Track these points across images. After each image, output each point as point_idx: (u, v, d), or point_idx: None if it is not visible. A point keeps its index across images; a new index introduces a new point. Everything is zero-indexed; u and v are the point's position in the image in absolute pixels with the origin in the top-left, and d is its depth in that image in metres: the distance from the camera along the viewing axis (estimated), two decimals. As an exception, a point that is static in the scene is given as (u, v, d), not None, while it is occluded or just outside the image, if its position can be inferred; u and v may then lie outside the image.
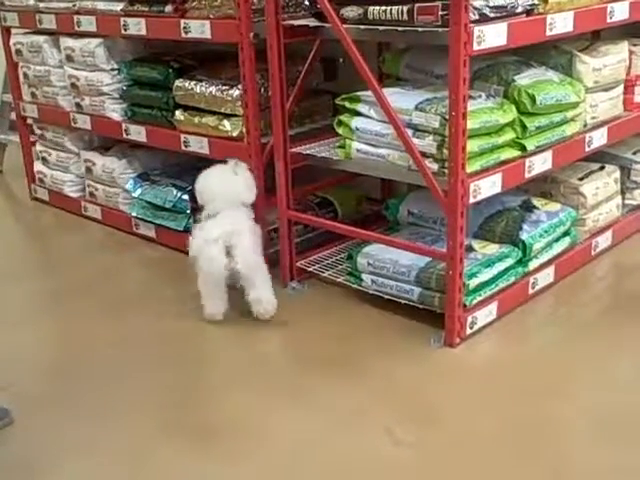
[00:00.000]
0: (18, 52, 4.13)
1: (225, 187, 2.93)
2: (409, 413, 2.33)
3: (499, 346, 2.70)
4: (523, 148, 2.69)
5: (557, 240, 3.00)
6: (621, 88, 3.13)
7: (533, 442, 2.16)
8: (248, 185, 2.96)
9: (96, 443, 2.25)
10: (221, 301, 2.86)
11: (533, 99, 2.66)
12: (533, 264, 2.91)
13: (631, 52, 3.17)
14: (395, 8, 2.47)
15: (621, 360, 2.57)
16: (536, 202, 3.02)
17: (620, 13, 2.92)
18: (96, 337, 2.85)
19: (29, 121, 4.40)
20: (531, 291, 2.92)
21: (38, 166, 4.38)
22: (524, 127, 2.67)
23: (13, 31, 4.23)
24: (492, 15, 2.42)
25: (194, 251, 2.85)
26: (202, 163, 3.57)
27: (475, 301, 2.70)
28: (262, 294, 2.82)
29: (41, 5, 3.86)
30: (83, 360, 2.69)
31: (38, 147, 4.36)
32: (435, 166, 2.54)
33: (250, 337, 2.79)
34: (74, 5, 3.65)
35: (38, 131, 4.32)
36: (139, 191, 3.73)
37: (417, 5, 2.41)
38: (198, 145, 3.30)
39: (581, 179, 3.16)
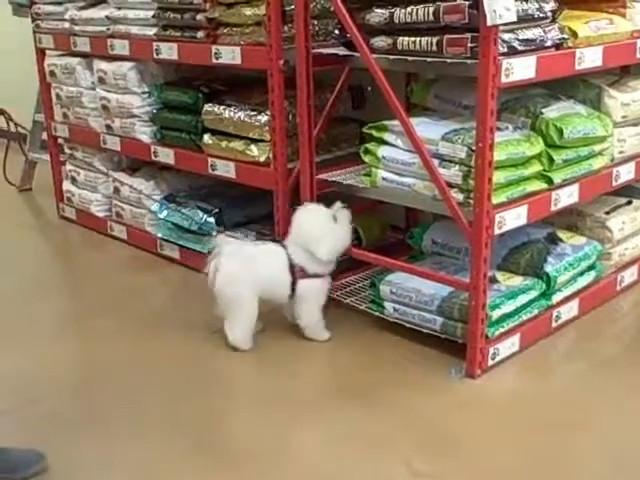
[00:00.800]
0: (52, 73, 4.21)
1: (309, 228, 2.83)
2: (428, 444, 2.32)
3: (520, 379, 2.68)
4: (550, 181, 2.68)
5: (582, 274, 2.98)
6: (650, 123, 3.12)
7: (552, 477, 2.14)
8: (336, 239, 2.83)
9: (115, 464, 2.25)
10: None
11: (561, 132, 2.65)
12: (557, 297, 2.89)
13: (660, 88, 3.16)
14: (425, 39, 2.49)
15: (644, 397, 2.54)
16: (561, 235, 3.01)
17: (650, 48, 2.92)
18: (119, 357, 2.86)
19: (59, 141, 4.47)
20: (554, 324, 2.90)
21: (67, 185, 4.44)
22: (551, 160, 2.67)
23: (48, 53, 4.31)
24: (521, 48, 2.43)
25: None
26: (229, 187, 3.64)
27: (497, 333, 2.68)
28: (227, 328, 2.84)
29: (76, 28, 3.93)
30: (105, 380, 2.71)
31: (68, 166, 4.43)
32: (460, 196, 2.55)
33: (272, 363, 2.78)
34: (108, 29, 3.72)
35: (68, 151, 4.39)
36: (165, 212, 3.76)
37: (447, 37, 2.43)
38: (225, 169, 3.33)
39: (608, 213, 3.14)
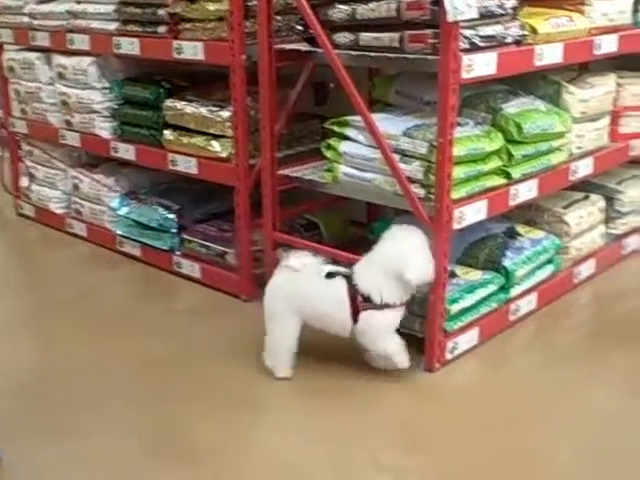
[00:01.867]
0: (10, 68, 4.14)
1: (400, 246, 2.47)
2: (391, 439, 2.34)
3: (479, 372, 2.71)
4: (509, 176, 2.72)
5: (540, 267, 3.02)
6: (607, 119, 3.18)
7: (512, 470, 2.17)
8: (429, 263, 2.48)
9: (73, 466, 2.22)
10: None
11: (520, 128, 2.69)
12: (515, 291, 2.93)
13: (618, 84, 3.23)
14: (386, 35, 2.50)
15: (601, 388, 2.58)
16: (520, 229, 3.06)
17: (608, 46, 2.97)
18: (76, 356, 2.82)
19: (18, 137, 4.40)
20: (513, 318, 2.94)
21: (25, 182, 4.38)
22: (510, 155, 2.70)
23: (5, 47, 4.24)
24: (482, 44, 2.45)
25: None
26: (190, 184, 3.62)
27: (456, 326, 2.71)
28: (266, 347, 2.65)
29: (35, 22, 3.88)
30: (61, 380, 2.67)
31: (26, 163, 4.36)
32: (421, 191, 2.57)
33: (234, 362, 2.76)
34: (68, 23, 3.68)
35: (26, 147, 4.32)
36: (125, 209, 3.73)
37: (408, 33, 2.45)
38: (186, 165, 3.31)
39: (565, 208, 3.19)
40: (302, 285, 2.55)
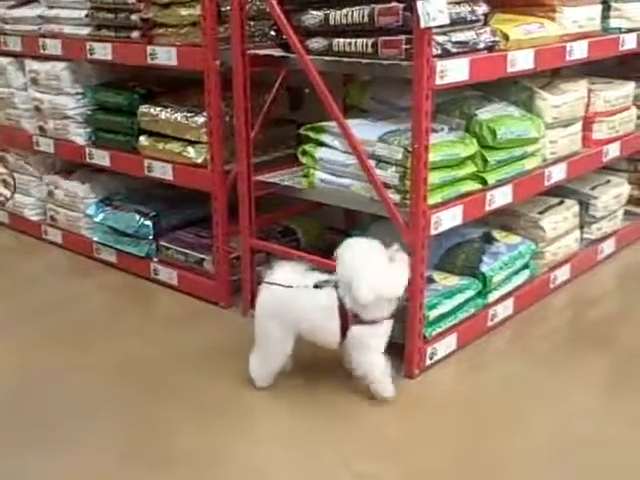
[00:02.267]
0: (-18, 74, 4.09)
1: (363, 267, 2.36)
2: (367, 445, 2.32)
3: (458, 378, 2.72)
4: (484, 181, 2.73)
5: (516, 273, 3.03)
6: (580, 125, 3.20)
7: (489, 476, 2.17)
8: (383, 278, 2.36)
9: (47, 474, 2.20)
10: None
11: (494, 133, 2.70)
12: (493, 296, 2.94)
13: (590, 90, 3.25)
14: (360, 41, 2.50)
15: (577, 392, 2.59)
16: (496, 234, 3.06)
17: (579, 52, 2.99)
18: (51, 365, 2.79)
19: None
20: (490, 323, 2.94)
21: (7, 194, 4.32)
22: (485, 161, 2.71)
23: (-23, 52, 4.20)
24: (454, 50, 2.46)
25: None
26: (166, 190, 3.60)
27: (435, 332, 2.71)
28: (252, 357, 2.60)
29: (6, 27, 3.84)
30: (36, 389, 2.64)
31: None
32: (397, 197, 2.56)
33: (214, 368, 2.75)
34: (40, 28, 3.65)
35: (0, 153, 4.27)
36: (101, 216, 3.70)
37: (381, 39, 2.44)
38: (162, 171, 3.29)
39: (541, 213, 3.21)
40: (292, 299, 2.47)
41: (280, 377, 2.59)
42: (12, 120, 4.00)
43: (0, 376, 2.76)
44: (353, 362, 2.49)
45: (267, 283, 2.52)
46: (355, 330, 2.43)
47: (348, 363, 2.53)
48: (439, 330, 2.73)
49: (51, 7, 3.60)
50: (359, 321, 2.41)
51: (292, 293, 2.47)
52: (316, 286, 2.48)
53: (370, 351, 2.45)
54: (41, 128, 3.83)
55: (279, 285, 2.48)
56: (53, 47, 3.58)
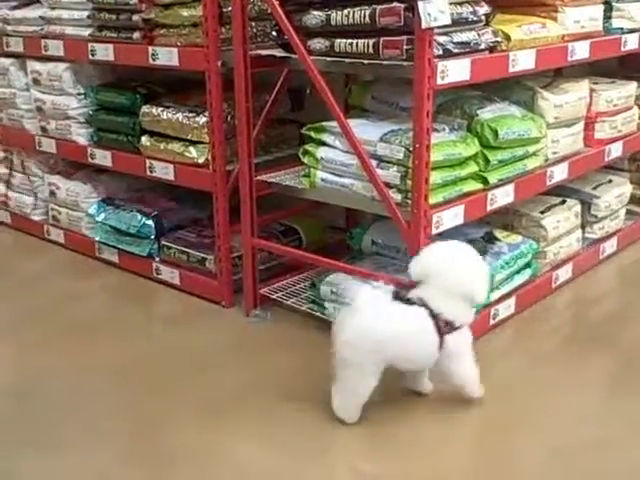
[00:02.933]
0: (-16, 74, 4.10)
1: (462, 267, 2.37)
2: (371, 445, 2.33)
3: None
4: (485, 181, 2.73)
5: (518, 272, 3.04)
6: (582, 125, 3.20)
7: (490, 475, 2.17)
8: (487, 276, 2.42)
9: (48, 474, 2.20)
10: None
11: (496, 133, 2.70)
12: (494, 295, 2.93)
13: (591, 90, 3.25)
14: (361, 41, 2.50)
15: (579, 391, 2.59)
16: (498, 234, 3.06)
17: (581, 52, 2.99)
18: (54, 364, 2.80)
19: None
20: (492, 322, 2.95)
21: (1, 189, 4.33)
22: (487, 160, 2.71)
23: (-20, 53, 4.21)
24: (456, 51, 2.46)
25: None
26: (168, 190, 3.61)
27: (437, 332, 2.71)
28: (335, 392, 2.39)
29: (9, 28, 3.85)
30: (39, 388, 2.64)
31: (2, 169, 4.32)
32: (399, 197, 2.57)
33: (208, 366, 2.76)
34: (42, 29, 3.65)
35: (2, 153, 4.28)
36: (103, 215, 3.71)
37: (383, 39, 2.45)
38: (163, 171, 3.29)
39: (542, 212, 3.21)
40: (385, 327, 2.28)
41: (280, 375, 2.59)
42: (14, 120, 4.01)
43: (2, 376, 2.77)
44: (453, 374, 2.40)
45: (352, 306, 2.30)
46: (450, 340, 2.33)
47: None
48: (441, 330, 2.73)
49: (53, 8, 3.60)
50: (452, 329, 2.33)
51: (384, 321, 2.29)
52: (409, 301, 2.35)
53: (467, 357, 2.40)
54: (43, 128, 3.84)
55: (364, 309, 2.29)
56: (55, 48, 3.59)
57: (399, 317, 2.32)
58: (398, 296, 2.36)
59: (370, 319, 2.27)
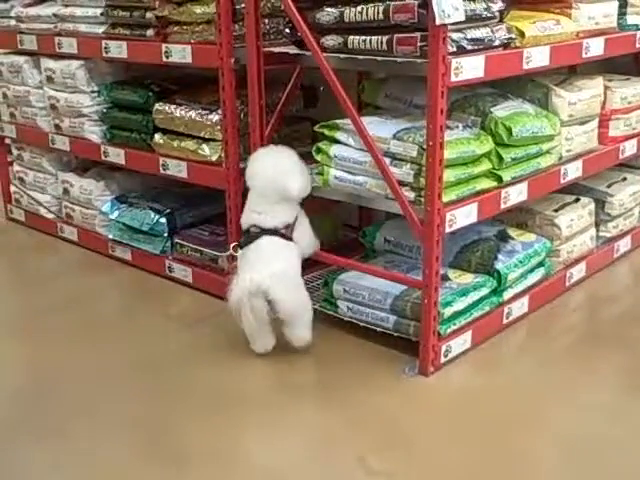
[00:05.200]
0: (-2, 72, 4.12)
1: (275, 172, 2.71)
2: (382, 442, 2.32)
3: (473, 375, 2.71)
4: (499, 179, 2.72)
5: (532, 270, 3.02)
6: (596, 122, 3.17)
7: (506, 474, 2.16)
8: (301, 171, 2.75)
9: (64, 471, 2.21)
10: (267, 338, 2.74)
11: (509, 131, 2.69)
12: (508, 294, 2.92)
13: (606, 87, 3.23)
14: (375, 38, 2.49)
15: (594, 391, 2.58)
16: (511, 232, 3.05)
17: (595, 49, 2.97)
18: (68, 361, 2.81)
19: (7, 141, 4.38)
20: (505, 321, 2.93)
21: (15, 186, 4.36)
22: (500, 158, 2.70)
23: (-7, 51, 4.23)
24: (470, 47, 2.45)
25: (234, 302, 2.64)
26: (181, 187, 3.61)
27: (450, 330, 2.70)
28: (294, 333, 2.73)
29: (22, 26, 3.86)
30: (53, 385, 2.65)
31: (15, 167, 4.34)
32: (412, 195, 2.56)
33: (224, 363, 2.76)
34: (55, 27, 3.66)
35: (16, 151, 4.30)
36: (116, 213, 3.72)
37: (396, 36, 2.44)
38: (176, 169, 3.29)
39: (556, 210, 3.19)
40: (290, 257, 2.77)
41: (295, 373, 2.59)
42: (28, 118, 4.02)
43: (16, 373, 2.79)
44: None
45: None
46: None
47: None
48: (454, 328, 2.72)
49: (66, 5, 3.61)
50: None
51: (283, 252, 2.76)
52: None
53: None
54: (56, 126, 3.85)
55: None
56: (68, 45, 3.60)
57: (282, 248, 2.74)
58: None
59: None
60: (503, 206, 2.76)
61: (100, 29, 3.44)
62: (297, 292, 2.73)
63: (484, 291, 2.81)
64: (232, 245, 2.82)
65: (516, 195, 2.80)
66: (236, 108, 3.05)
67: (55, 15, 3.64)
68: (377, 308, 2.78)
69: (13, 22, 3.91)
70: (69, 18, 3.58)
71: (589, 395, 2.55)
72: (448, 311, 2.67)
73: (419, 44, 2.38)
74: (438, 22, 2.28)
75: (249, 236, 2.75)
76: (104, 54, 3.42)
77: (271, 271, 2.63)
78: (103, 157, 3.65)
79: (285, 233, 2.76)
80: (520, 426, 2.38)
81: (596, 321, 3.11)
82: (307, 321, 2.75)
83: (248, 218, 2.79)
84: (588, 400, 2.52)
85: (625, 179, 3.61)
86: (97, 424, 2.42)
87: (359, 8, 2.51)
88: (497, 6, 2.53)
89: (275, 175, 2.71)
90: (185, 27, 3.09)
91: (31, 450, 2.29)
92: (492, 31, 2.52)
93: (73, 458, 2.26)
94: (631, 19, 3.22)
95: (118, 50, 3.35)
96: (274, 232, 2.74)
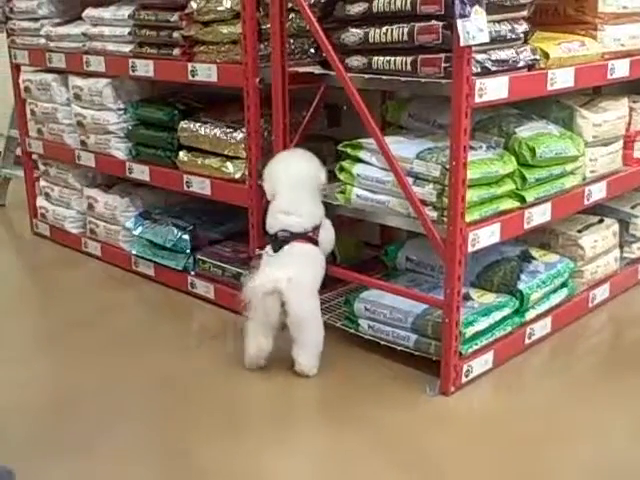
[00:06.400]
0: (27, 89, 4.19)
1: (304, 163, 2.84)
2: (402, 462, 2.31)
3: (494, 396, 2.69)
4: (522, 199, 2.71)
5: (554, 291, 3.01)
6: (620, 143, 3.16)
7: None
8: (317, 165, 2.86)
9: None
10: (266, 339, 2.71)
11: (533, 151, 2.69)
12: (530, 314, 2.91)
13: (631, 109, 3.22)
14: (399, 59, 2.51)
15: (617, 413, 2.55)
16: (534, 253, 3.04)
17: (620, 70, 2.97)
18: (91, 377, 2.83)
19: (34, 157, 4.44)
20: (528, 341, 2.92)
21: (41, 201, 4.42)
22: (524, 179, 2.70)
23: (23, 68, 4.30)
24: (494, 69, 2.46)
25: (248, 295, 2.66)
26: (204, 204, 3.64)
27: (471, 350, 2.69)
28: (299, 355, 2.71)
29: (51, 44, 3.93)
30: (76, 400, 2.66)
31: (42, 183, 4.40)
32: (434, 214, 2.56)
33: (244, 380, 2.77)
34: (84, 45, 3.72)
35: (42, 167, 4.36)
36: (140, 229, 3.75)
37: (421, 57, 2.45)
38: (200, 186, 3.32)
39: (580, 231, 3.18)
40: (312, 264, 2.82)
41: (315, 391, 2.59)
42: (55, 135, 4.09)
43: (42, 388, 2.80)
44: None
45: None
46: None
47: None
48: (475, 347, 2.71)
49: (95, 25, 3.68)
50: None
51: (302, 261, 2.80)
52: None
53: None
54: (83, 142, 3.90)
55: None
56: (96, 64, 3.66)
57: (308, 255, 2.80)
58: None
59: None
60: (526, 226, 2.75)
61: (127, 48, 3.49)
62: (311, 300, 2.73)
63: (506, 311, 2.80)
64: (258, 252, 2.89)
65: (539, 215, 2.79)
66: (260, 127, 3.08)
67: (84, 34, 3.71)
68: (398, 327, 2.78)
69: (43, 40, 3.99)
70: (97, 37, 3.65)
71: (612, 418, 2.52)
72: (470, 331, 2.67)
73: (443, 65, 2.39)
74: (463, 44, 2.29)
75: (278, 241, 2.77)
76: (131, 72, 3.48)
77: (291, 274, 2.65)
78: (128, 174, 3.69)
79: (313, 236, 2.79)
80: (541, 447, 2.36)
81: (619, 343, 3.08)
82: (315, 347, 2.73)
83: (275, 221, 2.80)
84: (611, 423, 2.49)
85: (650, 200, 3.59)
86: (119, 441, 2.42)
87: (384, 29, 2.53)
88: (522, 28, 2.54)
89: (305, 165, 2.82)
90: (211, 47, 3.13)
91: (52, 466, 2.30)
92: (516, 52, 2.53)
93: (90, 474, 2.26)
94: (656, 41, 3.21)
95: (145, 69, 3.40)
96: (303, 236, 2.76)
